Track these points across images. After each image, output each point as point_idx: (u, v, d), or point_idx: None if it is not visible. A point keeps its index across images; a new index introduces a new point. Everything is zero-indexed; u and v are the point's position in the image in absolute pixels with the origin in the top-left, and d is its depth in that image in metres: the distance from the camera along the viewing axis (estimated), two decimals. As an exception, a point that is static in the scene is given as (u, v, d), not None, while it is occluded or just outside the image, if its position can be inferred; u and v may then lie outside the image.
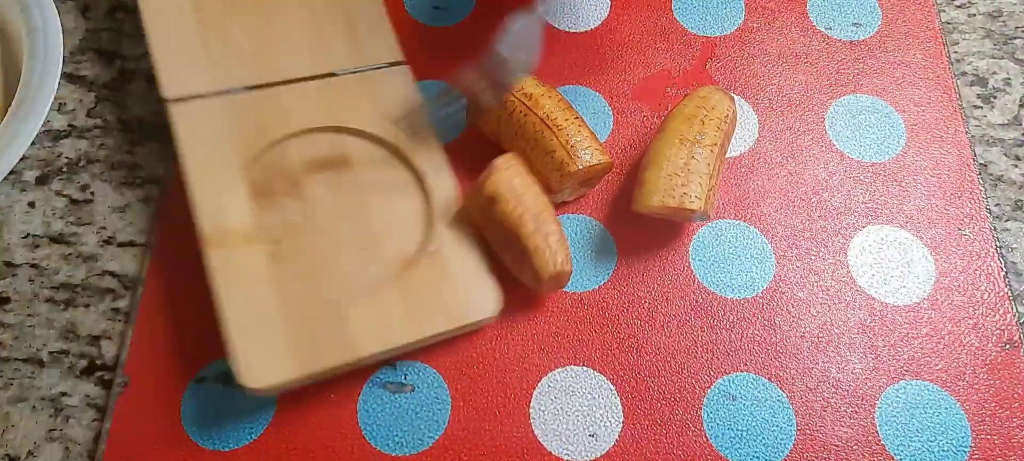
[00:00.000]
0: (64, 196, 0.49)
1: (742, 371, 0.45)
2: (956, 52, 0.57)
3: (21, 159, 0.45)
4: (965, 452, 0.43)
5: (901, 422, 0.44)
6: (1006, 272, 0.48)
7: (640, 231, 0.49)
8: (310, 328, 0.42)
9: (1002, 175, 0.52)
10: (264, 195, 0.46)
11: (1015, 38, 0.57)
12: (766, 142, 0.52)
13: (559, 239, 0.43)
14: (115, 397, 0.43)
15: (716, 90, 0.48)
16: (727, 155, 0.51)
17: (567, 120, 0.46)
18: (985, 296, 0.47)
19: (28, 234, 0.48)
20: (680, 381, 0.45)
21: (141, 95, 0.52)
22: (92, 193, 0.49)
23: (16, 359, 0.45)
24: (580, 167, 0.45)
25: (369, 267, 0.45)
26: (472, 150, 0.50)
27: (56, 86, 0.47)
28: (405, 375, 0.44)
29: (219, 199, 0.44)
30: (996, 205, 0.51)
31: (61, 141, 0.51)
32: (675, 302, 0.47)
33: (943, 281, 0.48)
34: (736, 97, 0.53)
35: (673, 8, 0.57)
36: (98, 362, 0.45)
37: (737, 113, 0.50)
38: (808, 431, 0.43)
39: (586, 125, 0.47)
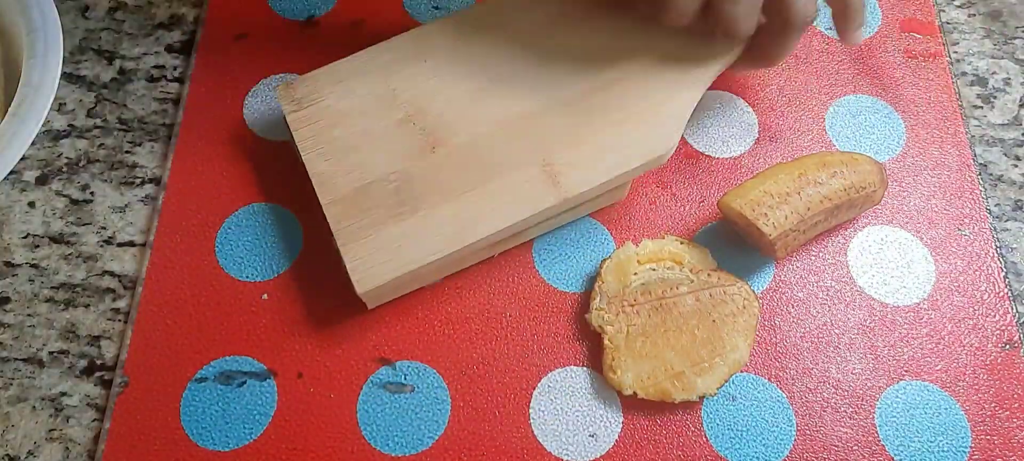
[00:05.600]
0: (64, 196, 0.49)
1: (742, 371, 0.45)
2: (956, 52, 0.57)
3: (21, 159, 0.44)
4: (965, 452, 0.43)
5: (901, 422, 0.44)
6: (1006, 272, 0.48)
7: (639, 231, 0.49)
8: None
9: (1002, 175, 0.52)
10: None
11: (1015, 38, 0.57)
12: (766, 142, 0.52)
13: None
14: (115, 397, 0.43)
15: (874, 164, 0.47)
16: (726, 156, 0.51)
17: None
18: (985, 296, 0.47)
19: (28, 234, 0.48)
20: (680, 381, 0.44)
21: (141, 95, 0.52)
22: (92, 193, 0.49)
23: (16, 359, 0.45)
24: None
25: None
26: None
27: (56, 86, 0.47)
28: (405, 375, 0.44)
29: None
30: (996, 205, 0.51)
31: (61, 141, 0.51)
32: (675, 302, 0.47)
33: (943, 281, 0.48)
34: (737, 98, 0.53)
35: (673, 8, 0.57)
36: (98, 362, 0.45)
37: (882, 199, 0.48)
38: (808, 431, 0.43)
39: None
